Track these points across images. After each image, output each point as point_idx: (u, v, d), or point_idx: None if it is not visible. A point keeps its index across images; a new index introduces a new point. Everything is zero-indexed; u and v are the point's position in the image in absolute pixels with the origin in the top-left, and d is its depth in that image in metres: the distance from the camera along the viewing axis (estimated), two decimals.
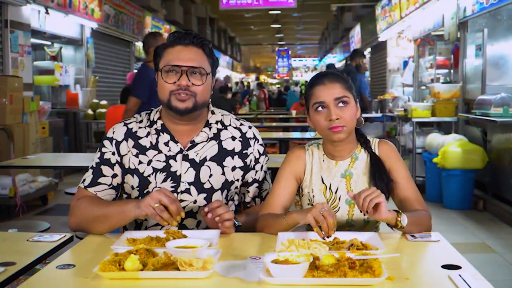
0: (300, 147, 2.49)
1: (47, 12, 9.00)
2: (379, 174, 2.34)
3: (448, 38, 8.59)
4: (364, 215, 2.05)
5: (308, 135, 7.14)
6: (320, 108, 2.31)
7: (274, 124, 11.69)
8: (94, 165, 2.42)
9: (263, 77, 49.77)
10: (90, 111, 10.73)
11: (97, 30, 11.61)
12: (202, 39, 2.38)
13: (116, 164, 2.41)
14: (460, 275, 1.67)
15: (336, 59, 27.14)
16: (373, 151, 2.41)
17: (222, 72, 30.85)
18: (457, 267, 1.77)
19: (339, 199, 2.37)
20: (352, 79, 2.45)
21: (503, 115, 6.24)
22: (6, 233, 2.42)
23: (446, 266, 1.77)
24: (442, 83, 8.54)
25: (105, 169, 2.40)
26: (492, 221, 6.36)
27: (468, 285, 1.60)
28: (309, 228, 2.14)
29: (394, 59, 13.84)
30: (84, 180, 2.40)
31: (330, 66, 14.27)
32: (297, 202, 2.54)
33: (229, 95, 13.87)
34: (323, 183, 2.41)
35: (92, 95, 11.10)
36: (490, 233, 5.90)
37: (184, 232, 2.11)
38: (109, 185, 2.40)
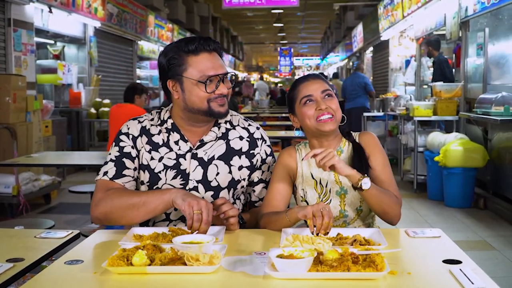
0: (291, 147, 2.58)
1: (50, 11, 9.03)
2: (358, 159, 2.42)
3: (450, 37, 8.62)
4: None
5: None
6: (308, 102, 2.42)
7: (277, 123, 11.64)
8: (114, 158, 2.42)
9: (265, 76, 49.78)
10: (93, 110, 10.78)
11: (100, 29, 11.64)
12: (219, 43, 2.43)
13: (136, 158, 2.45)
14: (460, 270, 1.71)
15: (338, 58, 27.15)
16: (356, 141, 2.51)
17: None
18: (458, 262, 1.80)
19: (330, 192, 2.45)
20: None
21: (504, 114, 6.26)
22: (13, 229, 2.46)
23: (447, 261, 1.81)
24: (444, 82, 8.55)
25: (127, 162, 2.42)
26: (492, 219, 6.39)
27: (468, 279, 1.63)
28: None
29: (396, 58, 13.85)
30: (107, 172, 2.40)
31: (336, 75, 14.31)
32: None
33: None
34: (313, 178, 2.48)
35: (95, 94, 11.11)
36: (491, 231, 5.93)
37: None
38: (132, 177, 2.43)
